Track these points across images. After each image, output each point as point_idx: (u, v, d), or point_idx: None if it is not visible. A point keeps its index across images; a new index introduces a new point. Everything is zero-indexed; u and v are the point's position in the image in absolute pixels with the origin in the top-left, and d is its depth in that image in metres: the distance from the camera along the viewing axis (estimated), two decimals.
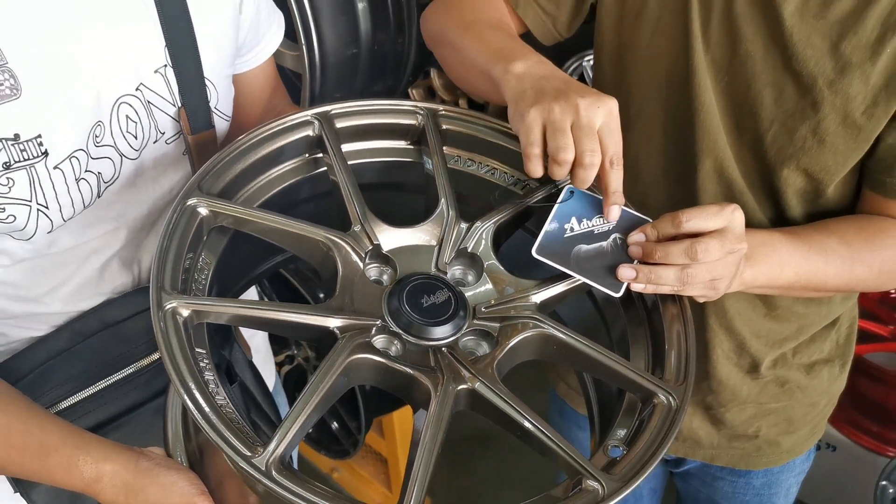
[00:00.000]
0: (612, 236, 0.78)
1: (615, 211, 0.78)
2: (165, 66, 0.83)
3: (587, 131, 0.73)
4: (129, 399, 0.87)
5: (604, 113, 0.75)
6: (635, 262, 0.77)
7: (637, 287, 0.75)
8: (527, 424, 0.68)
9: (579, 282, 0.77)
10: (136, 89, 0.81)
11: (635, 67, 0.98)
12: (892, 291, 1.82)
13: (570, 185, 0.78)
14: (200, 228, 0.74)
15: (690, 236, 0.75)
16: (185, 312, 0.67)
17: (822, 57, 0.87)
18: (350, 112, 0.84)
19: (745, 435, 1.15)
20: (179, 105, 0.85)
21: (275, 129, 0.81)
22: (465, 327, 0.74)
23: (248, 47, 0.96)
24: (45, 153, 0.74)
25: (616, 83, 1.01)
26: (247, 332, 1.07)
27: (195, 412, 0.61)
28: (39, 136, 0.73)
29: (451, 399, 0.68)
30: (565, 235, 0.77)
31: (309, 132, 0.82)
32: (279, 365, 1.97)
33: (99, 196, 0.81)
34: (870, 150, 0.91)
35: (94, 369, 0.84)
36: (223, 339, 0.88)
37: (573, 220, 0.78)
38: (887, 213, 0.94)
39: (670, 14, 0.92)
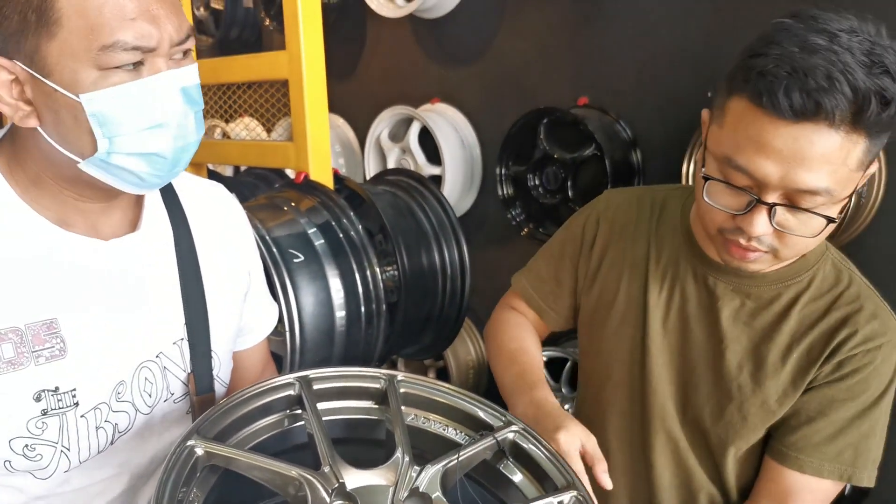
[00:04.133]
0: None
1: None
2: (182, 339, 1.02)
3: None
4: None
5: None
6: None
7: None
8: None
9: None
10: (157, 356, 1.00)
11: (606, 347, 1.31)
12: None
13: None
14: (195, 466, 0.89)
15: None
16: None
17: (746, 354, 1.16)
18: (325, 377, 1.02)
19: None
20: (189, 371, 1.03)
21: (264, 388, 0.98)
22: None
23: (247, 330, 1.18)
24: (77, 404, 0.90)
25: (592, 355, 1.35)
26: None
27: None
28: (74, 389, 0.90)
29: None
30: None
31: (291, 392, 0.99)
32: None
33: (112, 444, 0.96)
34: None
35: None
36: None
37: None
38: (775, 479, 1.17)
39: (635, 308, 1.26)
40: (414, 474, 0.94)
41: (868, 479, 1.12)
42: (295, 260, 1.89)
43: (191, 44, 0.89)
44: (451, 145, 2.78)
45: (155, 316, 1.00)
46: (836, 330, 1.11)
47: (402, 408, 1.03)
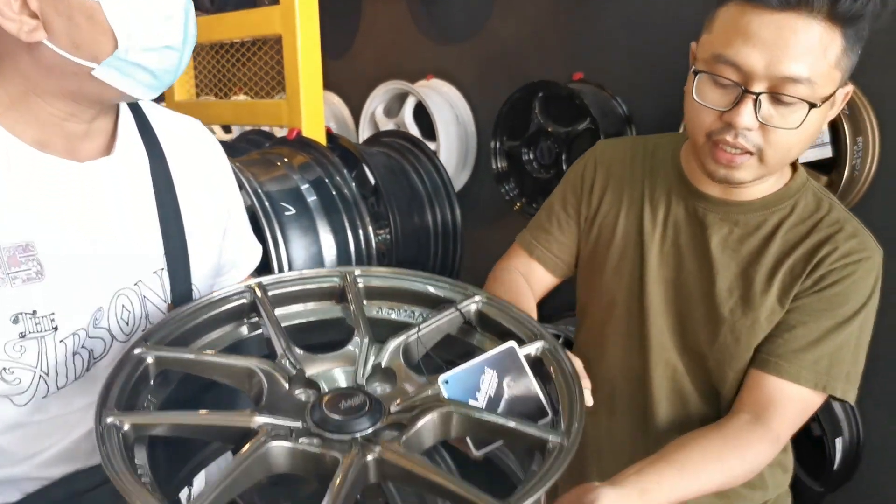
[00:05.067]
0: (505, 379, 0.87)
1: None
2: (163, 269, 1.01)
3: None
4: None
5: None
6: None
7: None
8: (434, 478, 0.72)
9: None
10: (135, 284, 0.98)
11: (605, 286, 1.33)
12: None
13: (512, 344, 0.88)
14: (146, 374, 0.85)
15: None
16: (126, 426, 0.76)
17: (735, 278, 1.21)
18: (280, 281, 0.99)
19: None
20: (170, 301, 1.01)
21: (216, 298, 0.96)
22: (378, 422, 0.80)
23: (230, 265, 1.16)
24: (55, 328, 0.88)
25: (592, 295, 1.38)
26: None
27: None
28: (53, 313, 0.88)
29: (360, 469, 0.73)
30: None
31: (244, 300, 0.97)
32: None
33: (87, 370, 0.93)
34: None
35: None
36: None
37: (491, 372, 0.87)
38: (756, 387, 1.18)
39: (633, 245, 1.30)
40: (374, 354, 0.90)
41: (842, 392, 1.16)
42: (286, 213, 1.86)
43: None
44: (446, 121, 2.74)
45: (133, 243, 0.99)
46: (817, 248, 1.17)
47: (365, 302, 0.99)
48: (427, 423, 0.79)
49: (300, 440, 0.77)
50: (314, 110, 2.13)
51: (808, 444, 1.91)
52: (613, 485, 0.95)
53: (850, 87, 1.12)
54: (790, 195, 1.21)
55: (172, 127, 1.08)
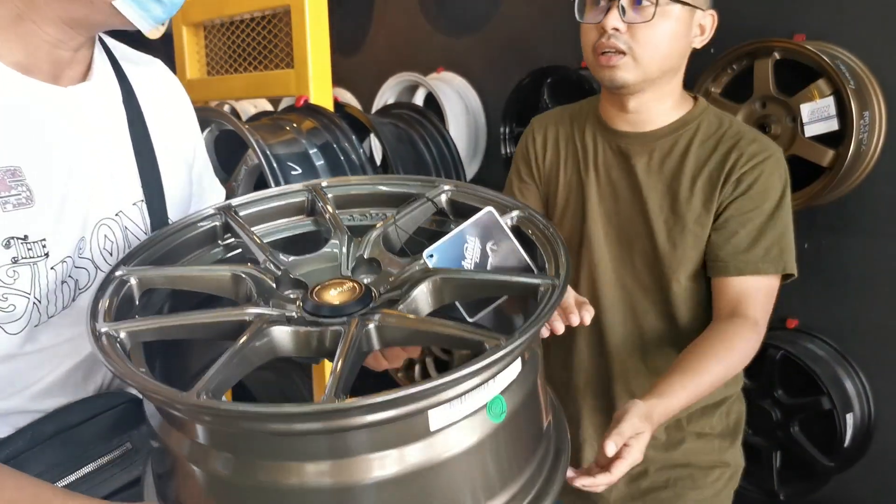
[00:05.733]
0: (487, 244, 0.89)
1: None
2: (142, 200, 1.01)
3: None
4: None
5: None
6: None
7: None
8: (438, 329, 0.74)
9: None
10: (116, 215, 0.98)
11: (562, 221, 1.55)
12: None
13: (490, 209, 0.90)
14: (131, 296, 0.85)
15: None
16: (121, 334, 0.76)
17: (662, 195, 1.43)
18: (249, 202, 1.00)
19: (656, 487, 1.51)
20: (150, 233, 1.01)
21: (188, 222, 0.96)
22: (371, 302, 0.81)
23: (195, 208, 1.15)
24: (47, 255, 0.88)
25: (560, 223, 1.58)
26: None
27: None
28: (44, 239, 0.88)
29: (363, 337, 0.75)
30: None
31: (216, 222, 0.97)
32: None
33: (73, 300, 0.93)
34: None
35: (51, 471, 0.88)
36: None
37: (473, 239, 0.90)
38: (724, 292, 1.39)
39: (575, 189, 1.52)
40: (355, 248, 0.92)
41: (794, 269, 1.39)
42: (293, 172, 1.88)
43: None
44: (456, 111, 2.75)
45: (113, 172, 0.98)
46: (726, 156, 1.39)
47: (337, 211, 1.00)
48: (420, 293, 0.81)
49: (298, 327, 0.79)
50: (322, 79, 2.16)
51: (819, 419, 1.93)
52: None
53: (711, 13, 1.40)
54: (694, 118, 1.44)
55: (138, 62, 1.09)
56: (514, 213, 0.91)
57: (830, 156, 1.81)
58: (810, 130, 1.83)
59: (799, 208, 1.76)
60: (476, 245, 0.87)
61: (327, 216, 0.97)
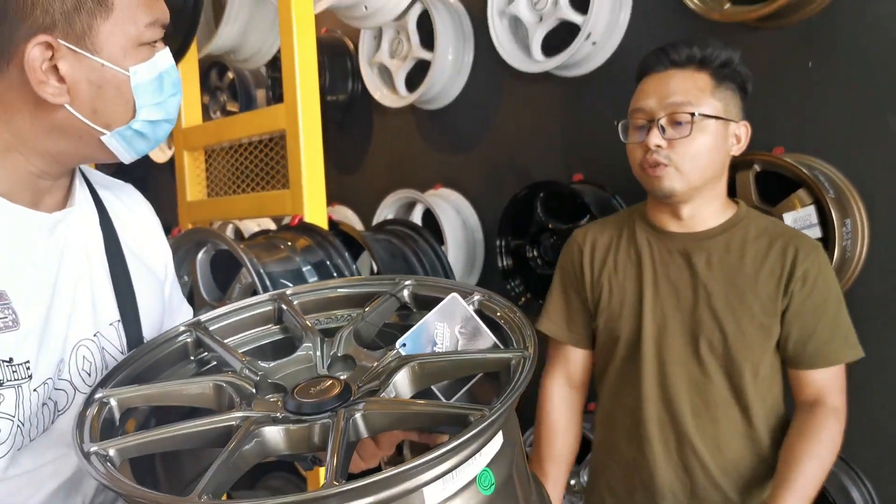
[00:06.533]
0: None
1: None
2: (118, 321, 1.03)
3: None
4: None
5: None
6: None
7: None
8: (424, 409, 0.78)
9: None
10: (94, 335, 1.00)
11: (619, 338, 1.65)
12: None
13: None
14: (112, 418, 0.86)
15: None
16: (111, 452, 0.77)
17: (726, 287, 1.53)
18: (217, 316, 1.03)
19: None
20: (126, 353, 1.03)
21: (161, 340, 0.98)
22: (350, 395, 0.83)
23: (167, 326, 1.17)
24: (30, 377, 0.89)
25: (606, 353, 1.69)
26: None
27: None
28: (28, 361, 0.89)
29: (351, 428, 0.77)
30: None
31: (188, 338, 0.99)
32: None
33: (52, 423, 0.94)
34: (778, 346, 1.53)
35: None
36: None
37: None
38: (809, 384, 1.52)
39: (631, 293, 1.62)
40: (328, 347, 0.95)
41: (861, 349, 1.53)
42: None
43: None
44: (454, 226, 2.83)
45: (92, 294, 1.01)
46: (784, 251, 1.52)
47: (305, 316, 1.03)
48: (399, 380, 0.84)
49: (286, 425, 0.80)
50: (317, 198, 2.23)
51: None
52: None
53: (745, 124, 1.57)
54: (741, 218, 1.58)
55: (111, 187, 1.14)
56: (476, 297, 0.96)
57: None
58: None
59: None
60: (445, 329, 0.92)
61: (297, 322, 1.00)
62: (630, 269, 1.64)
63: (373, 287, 1.05)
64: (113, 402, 0.86)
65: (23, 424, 0.89)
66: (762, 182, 1.93)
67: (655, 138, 1.51)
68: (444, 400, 0.91)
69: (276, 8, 2.26)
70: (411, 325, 1.00)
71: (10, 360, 0.88)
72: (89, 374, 0.99)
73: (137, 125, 0.95)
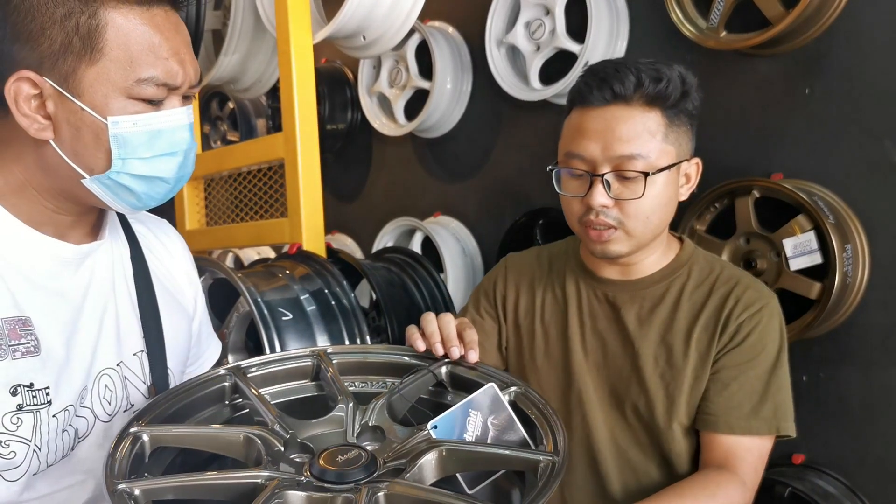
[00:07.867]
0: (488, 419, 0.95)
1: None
2: (143, 351, 1.06)
3: None
4: None
5: None
6: None
7: None
8: (444, 500, 0.78)
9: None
10: (117, 365, 1.02)
11: (536, 382, 1.41)
12: None
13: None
14: (142, 453, 0.88)
15: None
16: (136, 492, 0.78)
17: (656, 347, 1.33)
18: (257, 364, 1.06)
19: None
20: (150, 383, 1.05)
21: (199, 381, 1.01)
22: (375, 470, 0.85)
23: (193, 359, 1.21)
24: (49, 402, 0.92)
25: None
26: None
27: None
28: (48, 387, 0.92)
29: (372, 502, 0.78)
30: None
31: (225, 383, 1.02)
32: None
33: (72, 449, 0.96)
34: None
35: None
36: None
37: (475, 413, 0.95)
38: (713, 448, 1.28)
39: (557, 341, 1.41)
40: (360, 414, 0.97)
41: (791, 429, 1.28)
42: (283, 318, 1.92)
43: (199, 87, 1.01)
44: (453, 253, 2.84)
45: (117, 324, 1.03)
46: (722, 305, 1.31)
47: (341, 376, 1.05)
48: (426, 463, 0.86)
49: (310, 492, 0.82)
50: (315, 227, 2.26)
51: None
52: None
53: (696, 162, 1.35)
54: (682, 263, 1.38)
55: (145, 221, 1.18)
56: (512, 389, 0.98)
57: (817, 288, 1.79)
58: (795, 264, 1.82)
59: (793, 340, 1.73)
60: (479, 419, 0.93)
61: (333, 382, 1.02)
62: (556, 316, 1.44)
63: (412, 358, 1.07)
64: (145, 438, 0.89)
65: (39, 449, 0.91)
66: (761, 208, 1.92)
67: (601, 197, 1.24)
68: (466, 488, 0.93)
69: (276, 38, 2.29)
70: (443, 403, 1.02)
71: (31, 385, 0.91)
72: (109, 403, 1.01)
73: (121, 178, 0.94)
